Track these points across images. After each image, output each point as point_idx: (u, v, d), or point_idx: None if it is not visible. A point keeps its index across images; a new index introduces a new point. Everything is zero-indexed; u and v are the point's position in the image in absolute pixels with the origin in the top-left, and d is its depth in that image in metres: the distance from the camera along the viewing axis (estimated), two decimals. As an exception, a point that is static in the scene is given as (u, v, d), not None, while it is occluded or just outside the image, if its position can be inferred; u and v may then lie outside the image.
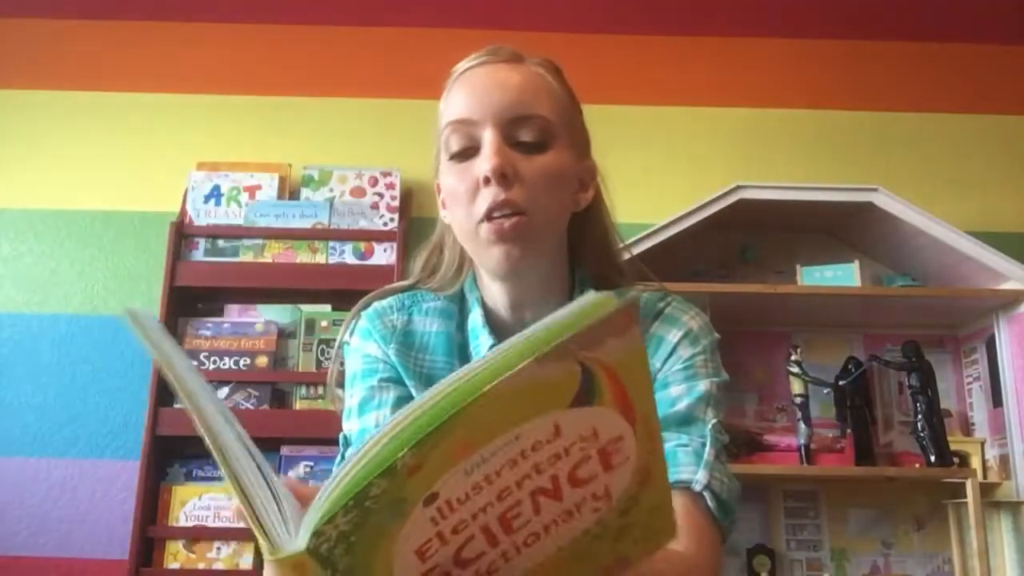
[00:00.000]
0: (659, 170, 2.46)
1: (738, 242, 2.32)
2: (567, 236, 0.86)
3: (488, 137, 0.77)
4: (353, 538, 0.38)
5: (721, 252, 2.31)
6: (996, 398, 2.09)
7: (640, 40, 2.57)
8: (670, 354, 0.81)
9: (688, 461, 0.73)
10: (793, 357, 2.15)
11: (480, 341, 0.82)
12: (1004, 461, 2.04)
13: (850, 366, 2.17)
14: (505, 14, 2.49)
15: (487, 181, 0.75)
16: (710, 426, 0.77)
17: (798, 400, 2.12)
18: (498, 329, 0.83)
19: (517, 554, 0.44)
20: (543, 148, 0.78)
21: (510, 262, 0.77)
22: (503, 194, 0.75)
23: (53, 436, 2.22)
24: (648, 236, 2.05)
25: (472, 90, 0.79)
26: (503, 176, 0.75)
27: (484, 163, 0.76)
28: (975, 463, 2.09)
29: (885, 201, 2.07)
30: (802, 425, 2.08)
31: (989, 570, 1.91)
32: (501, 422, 0.37)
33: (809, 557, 2.15)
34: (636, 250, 1.99)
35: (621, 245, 0.92)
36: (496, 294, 0.83)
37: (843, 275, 2.11)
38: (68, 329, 2.30)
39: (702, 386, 0.79)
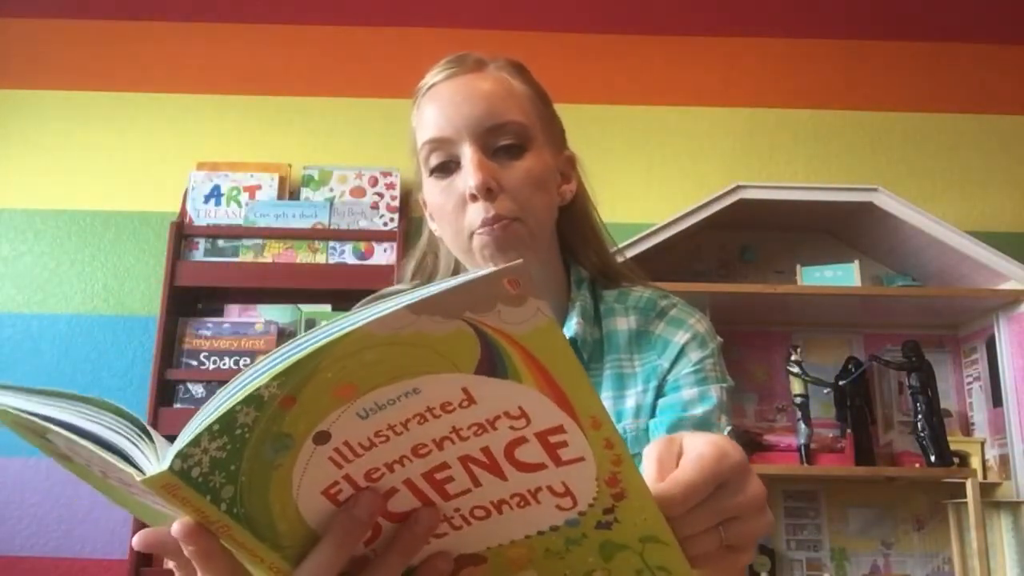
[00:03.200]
0: (659, 170, 2.46)
1: (738, 242, 2.32)
2: (556, 231, 0.87)
3: (467, 153, 0.77)
4: (232, 467, 0.38)
5: (721, 252, 2.31)
6: (996, 398, 2.09)
7: (640, 40, 2.57)
8: (678, 356, 0.81)
9: None
10: (793, 357, 2.14)
11: None
12: (1004, 461, 2.04)
13: (850, 366, 2.17)
14: (504, 14, 2.50)
15: (473, 198, 0.76)
16: (726, 433, 0.78)
17: (798, 400, 2.12)
18: None
19: (467, 524, 0.45)
20: (521, 152, 0.79)
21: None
22: (492, 208, 0.76)
23: (53, 436, 2.22)
24: (648, 236, 2.05)
25: (443, 106, 0.79)
26: (488, 191, 0.76)
27: (468, 179, 0.76)
28: (975, 463, 2.09)
29: (885, 201, 2.07)
30: (802, 425, 2.08)
31: (989, 570, 1.91)
32: (385, 368, 0.37)
33: (809, 557, 2.15)
34: (637, 250, 2.01)
35: (611, 245, 0.93)
36: None
37: (843, 275, 2.11)
38: (68, 329, 2.30)
39: (715, 392, 0.80)
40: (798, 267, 2.15)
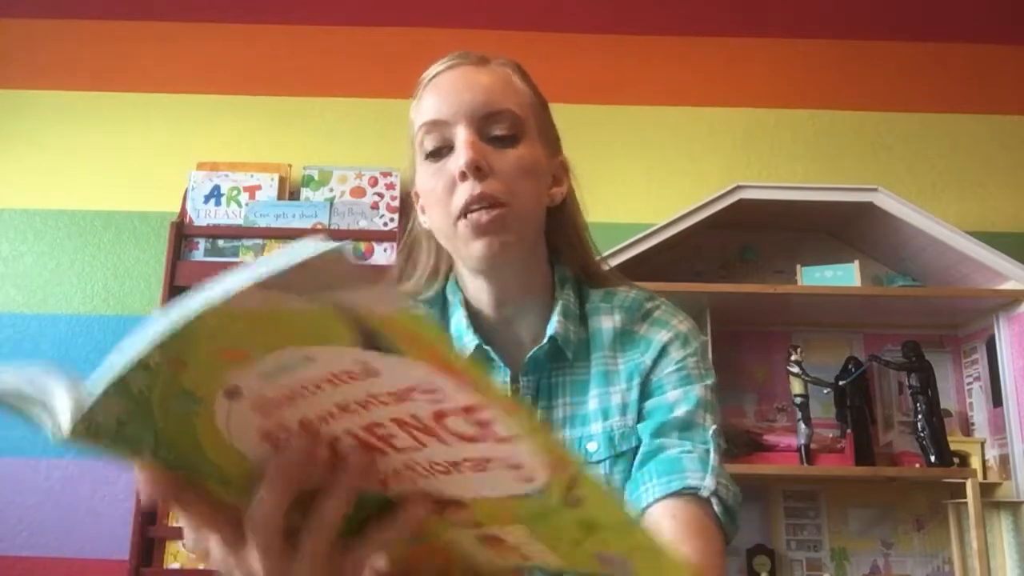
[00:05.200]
0: (659, 170, 2.46)
1: (738, 242, 2.32)
2: (543, 233, 0.87)
3: (461, 134, 0.78)
4: (145, 420, 0.39)
5: (721, 252, 2.31)
6: (996, 398, 2.09)
7: (640, 40, 2.57)
8: (660, 354, 0.81)
9: (695, 467, 0.74)
10: (793, 357, 2.14)
11: (464, 343, 0.82)
12: (1004, 461, 2.04)
13: (850, 366, 2.17)
14: (504, 14, 2.49)
15: (463, 176, 0.76)
16: (711, 432, 0.77)
17: (798, 400, 2.12)
18: (482, 329, 0.84)
19: (432, 475, 0.44)
20: (515, 141, 0.80)
21: (491, 254, 0.77)
22: (479, 187, 0.76)
23: (53, 436, 2.22)
24: (648, 236, 2.05)
25: (442, 93, 0.81)
26: (478, 169, 0.76)
27: (458, 158, 0.77)
28: (975, 463, 2.09)
29: (885, 201, 2.07)
30: (802, 425, 2.08)
31: (989, 570, 1.91)
32: (266, 337, 0.37)
33: (809, 557, 2.14)
34: (637, 250, 2.02)
35: (596, 254, 0.93)
36: (479, 292, 0.84)
37: (843, 275, 2.11)
38: (68, 329, 2.30)
39: (698, 391, 0.79)
40: (798, 267, 2.15)
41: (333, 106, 2.50)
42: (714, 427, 0.78)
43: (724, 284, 2.13)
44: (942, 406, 2.09)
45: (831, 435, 2.11)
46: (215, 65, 2.53)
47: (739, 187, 2.09)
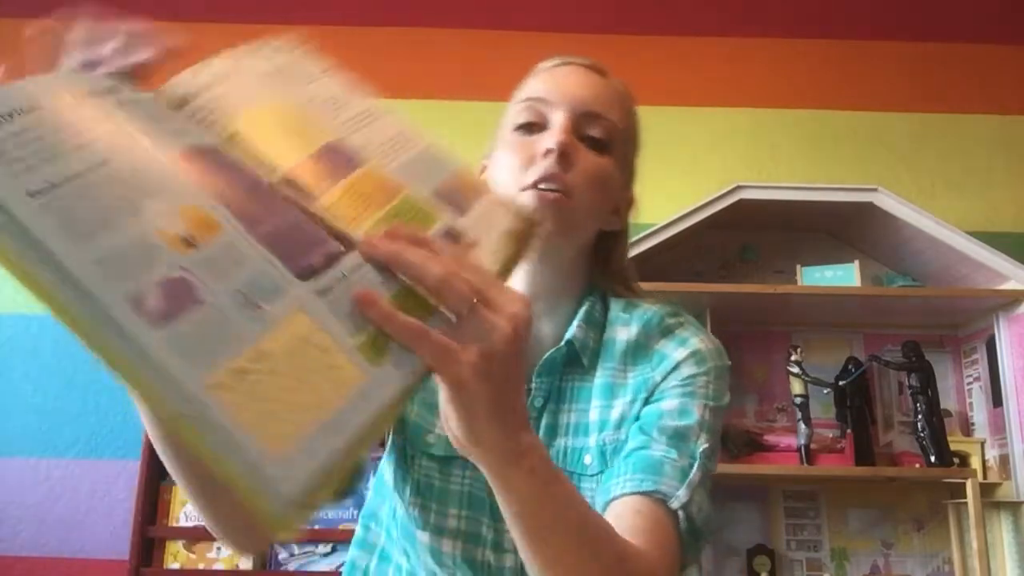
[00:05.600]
0: (659, 170, 2.45)
1: (738, 242, 2.32)
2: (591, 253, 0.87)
3: (559, 117, 0.79)
4: None
5: (721, 252, 2.31)
6: (996, 398, 2.09)
7: (640, 40, 2.57)
8: (672, 370, 0.79)
9: (673, 475, 0.71)
10: (793, 357, 2.14)
11: None
12: (1004, 461, 2.04)
13: (850, 366, 2.17)
14: (505, 14, 2.49)
15: (547, 154, 0.77)
16: (701, 450, 0.74)
17: (798, 400, 2.12)
18: None
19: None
20: (605, 150, 0.81)
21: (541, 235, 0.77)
22: (556, 168, 0.76)
23: (53, 436, 2.22)
24: (648, 236, 2.05)
25: (552, 80, 0.82)
26: (564, 154, 0.77)
27: (551, 137, 0.77)
28: (975, 463, 2.09)
29: (885, 201, 2.07)
30: (802, 425, 2.08)
31: (989, 570, 1.91)
32: None
33: (809, 557, 2.14)
34: (637, 250, 2.02)
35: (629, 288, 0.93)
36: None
37: (843, 275, 2.11)
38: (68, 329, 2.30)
39: (697, 409, 0.76)
40: (798, 267, 2.15)
41: (333, 106, 2.49)
42: (705, 447, 0.75)
43: (724, 284, 2.13)
44: (942, 406, 2.09)
45: (831, 435, 2.11)
46: (215, 65, 2.53)
47: (739, 187, 2.10)
